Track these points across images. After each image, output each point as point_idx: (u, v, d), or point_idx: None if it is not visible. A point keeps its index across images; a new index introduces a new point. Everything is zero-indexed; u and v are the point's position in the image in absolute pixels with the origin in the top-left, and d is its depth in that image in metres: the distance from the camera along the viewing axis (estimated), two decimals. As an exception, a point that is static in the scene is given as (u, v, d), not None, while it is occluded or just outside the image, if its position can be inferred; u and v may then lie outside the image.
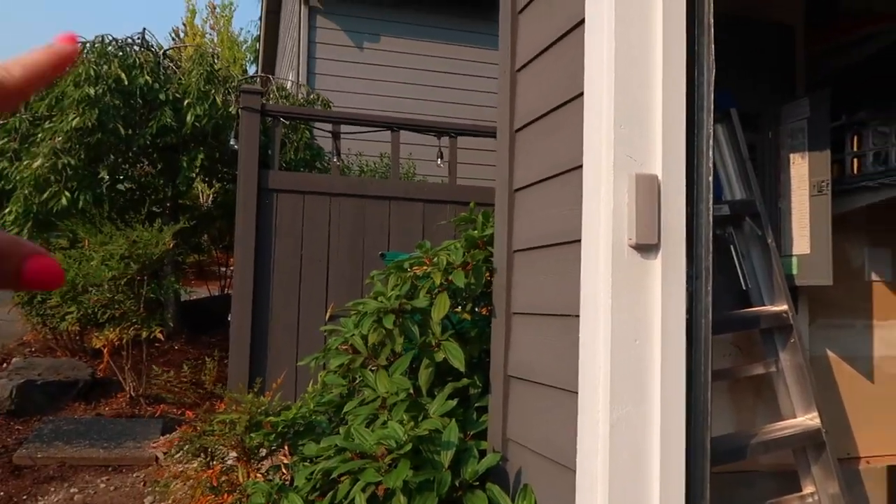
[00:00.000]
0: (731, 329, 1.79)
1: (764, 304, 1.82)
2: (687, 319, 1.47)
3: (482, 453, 1.86)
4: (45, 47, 0.39)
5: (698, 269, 1.48)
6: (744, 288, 1.84)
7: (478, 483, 1.69)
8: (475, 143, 4.27)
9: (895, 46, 1.94)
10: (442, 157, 4.14)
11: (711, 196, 1.48)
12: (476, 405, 2.05)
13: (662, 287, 1.40)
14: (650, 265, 1.41)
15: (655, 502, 1.37)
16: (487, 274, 2.06)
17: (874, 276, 2.21)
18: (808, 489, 1.77)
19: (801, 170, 1.91)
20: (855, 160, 1.98)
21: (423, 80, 6.76)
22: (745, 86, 1.98)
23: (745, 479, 1.94)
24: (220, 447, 2.12)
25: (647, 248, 1.40)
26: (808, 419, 1.76)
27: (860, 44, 1.98)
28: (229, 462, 2.25)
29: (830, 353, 2.15)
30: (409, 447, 1.62)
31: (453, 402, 1.84)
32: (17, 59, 0.38)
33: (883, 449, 2.19)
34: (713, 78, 1.49)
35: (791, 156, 1.94)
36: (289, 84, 6.60)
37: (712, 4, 1.52)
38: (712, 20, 1.52)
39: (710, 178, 1.48)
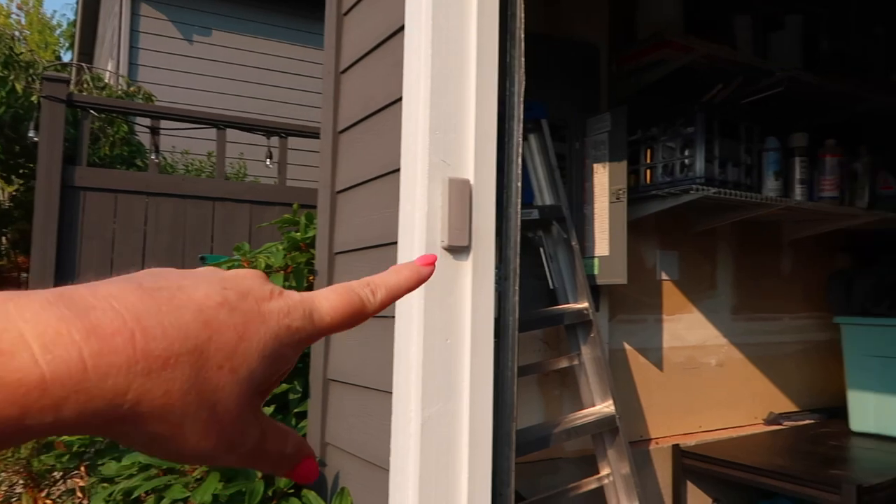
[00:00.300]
0: (539, 326, 1.91)
1: (568, 302, 1.96)
2: (496, 318, 1.54)
3: (301, 458, 1.82)
4: (410, 269, 0.38)
5: (507, 270, 1.56)
6: (551, 287, 1.96)
7: (293, 491, 1.66)
8: (306, 144, 4.19)
9: (681, 71, 2.17)
10: (271, 158, 4.02)
11: (520, 201, 1.57)
12: (295, 410, 2.01)
13: (473, 287, 1.46)
14: (462, 266, 1.46)
15: (463, 494, 1.42)
16: (310, 277, 2.03)
17: (664, 276, 2.46)
18: (605, 471, 1.94)
19: (602, 178, 2.08)
20: (647, 171, 2.19)
21: (255, 77, 6.52)
22: (556, 99, 2.12)
23: (551, 466, 2.07)
24: (2, 474, 1.89)
25: (458, 249, 1.45)
26: (604, 407, 1.92)
27: (654, 67, 2.20)
28: (18, 490, 2.02)
29: (627, 346, 2.36)
30: (220, 457, 1.56)
31: (270, 409, 1.79)
32: (384, 280, 0.36)
33: (669, 430, 2.45)
34: (523, 90, 1.58)
35: (594, 165, 2.11)
36: (107, 74, 6.06)
37: (523, 21, 1.61)
38: (523, 35, 1.61)
39: (519, 184, 1.57)
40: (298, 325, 0.33)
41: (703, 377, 2.56)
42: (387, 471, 1.51)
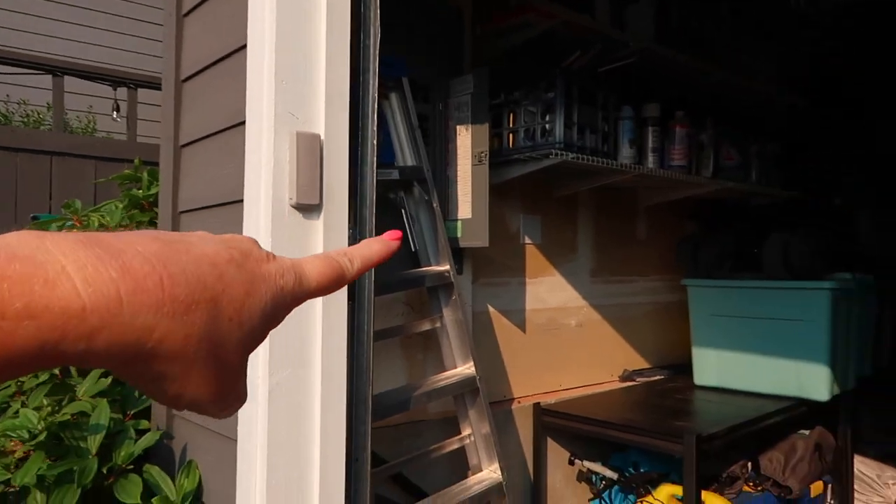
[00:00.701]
0: (399, 288, 1.88)
1: (430, 265, 1.94)
2: (350, 280, 1.49)
3: (142, 433, 1.70)
4: (381, 243, 0.42)
5: (362, 231, 1.51)
6: (413, 249, 1.93)
7: (132, 467, 1.54)
8: (160, 97, 3.88)
9: (544, 36, 2.19)
10: (118, 111, 3.70)
11: (376, 159, 1.51)
12: (141, 381, 1.87)
13: (324, 248, 1.39)
14: (312, 226, 1.39)
15: (315, 462, 1.38)
16: (155, 238, 1.88)
17: (527, 240, 2.51)
18: (466, 431, 1.95)
19: (465, 141, 2.07)
20: (510, 135, 2.20)
21: (104, 24, 5.97)
22: (419, 59, 2.07)
23: (413, 428, 2.07)
24: None
25: (308, 208, 1.38)
26: (466, 368, 1.92)
27: (517, 31, 2.19)
28: None
29: (491, 308, 2.39)
30: (44, 436, 1.41)
31: (107, 380, 1.65)
32: (360, 251, 0.41)
33: (532, 389, 2.52)
34: (378, 42, 1.51)
35: (458, 127, 2.09)
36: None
37: (380, -30, 1.54)
38: (380, -15, 1.54)
39: (375, 142, 1.51)
40: (290, 288, 0.35)
41: (564, 338, 2.65)
42: (233, 440, 1.43)
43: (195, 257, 0.31)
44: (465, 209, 2.08)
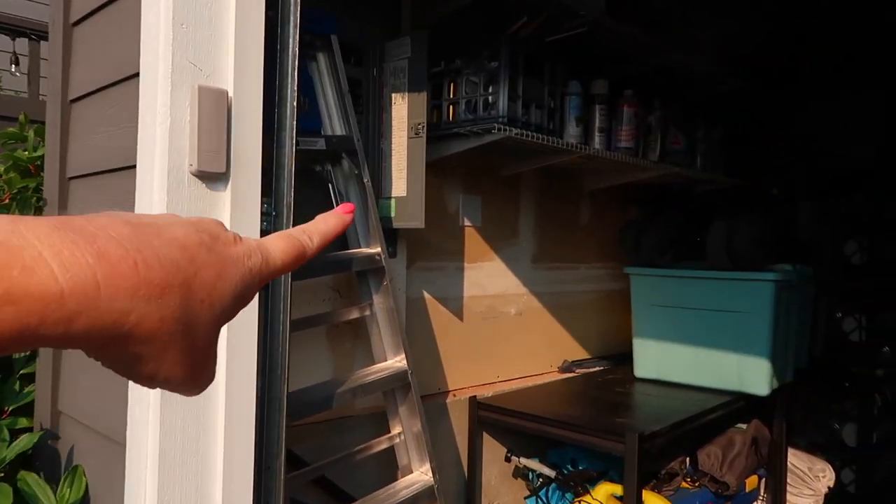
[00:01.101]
0: (323, 272, 1.69)
1: (360, 247, 1.76)
2: (263, 262, 1.29)
3: (21, 432, 1.47)
4: (336, 217, 0.45)
5: (279, 206, 1.31)
6: (341, 229, 1.74)
7: (3, 474, 1.31)
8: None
9: (489, 1, 2.01)
10: (17, 65, 3.33)
11: (296, 124, 1.32)
12: (22, 372, 1.63)
13: (231, 225, 1.19)
14: (217, 198, 1.19)
15: (217, 472, 1.18)
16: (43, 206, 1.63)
17: (466, 222, 2.35)
18: (396, 429, 1.79)
19: (401, 111, 1.88)
20: (450, 107, 2.03)
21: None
22: (351, 16, 1.87)
23: (340, 425, 1.89)
24: None
25: (212, 176, 1.18)
26: (396, 361, 1.76)
27: (461, -6, 2.01)
28: None
29: (427, 295, 2.23)
30: None
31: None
32: (317, 227, 0.43)
33: (468, 381, 2.37)
34: (302, -11, 1.31)
35: (393, 95, 1.90)
36: None
37: None
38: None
39: (296, 104, 1.31)
40: (258, 268, 0.36)
41: (503, 327, 2.51)
42: (122, 445, 1.23)
43: (166, 241, 0.32)
44: (399, 186, 1.90)
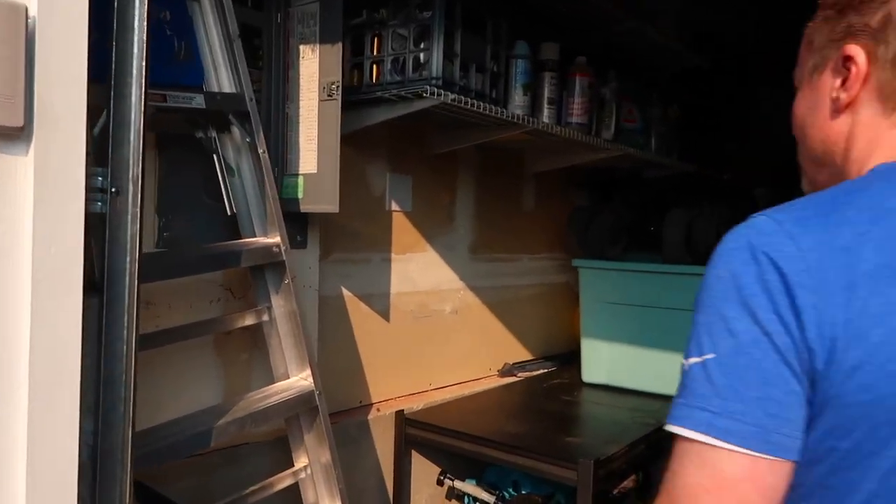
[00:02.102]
0: (204, 268, 1.32)
1: (255, 235, 1.40)
2: (95, 258, 0.93)
3: None
4: None
5: (120, 181, 0.95)
6: (229, 213, 1.38)
7: None
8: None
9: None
10: None
11: (146, 69, 0.95)
12: None
13: (36, 203, 0.82)
14: (13, 164, 0.81)
15: (12, 565, 0.82)
16: None
17: (394, 206, 2.01)
18: (301, 462, 1.45)
19: (311, 66, 1.52)
20: (374, 66, 1.68)
21: None
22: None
23: (231, 456, 1.53)
24: None
25: (5, 134, 0.80)
26: (301, 379, 1.41)
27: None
28: None
29: (346, 291, 1.88)
30: None
31: None
32: None
33: (395, 391, 2.04)
34: None
35: (301, 47, 1.54)
36: None
37: None
38: None
39: (146, 37, 0.94)
40: None
41: (436, 327, 2.19)
42: None
43: None
44: (308, 161, 1.54)
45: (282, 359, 1.42)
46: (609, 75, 2.20)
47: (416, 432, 1.87)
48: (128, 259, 0.95)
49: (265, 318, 1.42)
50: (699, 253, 2.20)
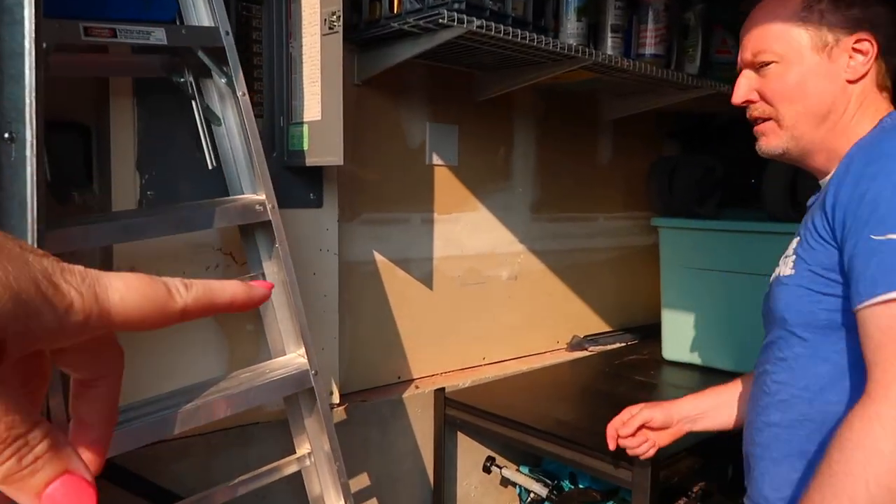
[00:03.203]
0: (183, 228, 1.15)
1: (243, 192, 1.22)
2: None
3: None
4: (242, 286, 0.30)
5: (14, 126, 0.78)
6: (211, 166, 1.21)
7: None
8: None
9: None
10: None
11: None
12: None
13: None
14: None
15: None
16: None
17: (437, 160, 1.78)
18: (304, 448, 1.29)
19: (311, -4, 1.31)
20: (394, -5, 1.44)
21: None
22: None
23: (238, 436, 1.40)
24: None
25: None
26: (297, 356, 1.23)
27: None
28: None
29: (379, 256, 1.69)
30: None
31: None
32: (205, 282, 0.28)
33: (439, 366, 1.85)
34: None
35: (302, -24, 1.33)
36: None
37: None
38: None
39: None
40: (71, 292, 0.23)
41: (490, 295, 1.96)
42: None
43: None
44: (313, 107, 1.34)
45: (277, 333, 1.25)
46: (694, -5, 1.83)
47: (457, 414, 1.66)
48: (29, 219, 0.80)
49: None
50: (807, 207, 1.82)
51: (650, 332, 2.27)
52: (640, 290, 2.38)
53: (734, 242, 1.90)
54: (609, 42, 1.63)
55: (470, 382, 1.81)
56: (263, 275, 1.24)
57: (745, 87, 0.97)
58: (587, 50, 1.55)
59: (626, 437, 1.16)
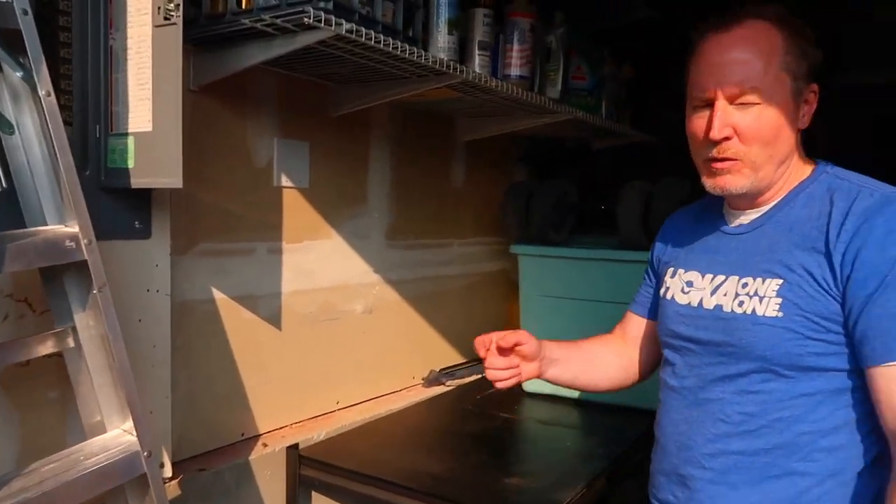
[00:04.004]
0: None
1: (46, 221, 0.93)
2: None
3: None
4: None
5: None
6: (1, 188, 0.91)
7: None
8: None
9: None
10: None
11: None
12: None
13: None
14: None
15: None
16: None
17: (286, 181, 1.56)
18: (132, 548, 1.00)
19: (139, -23, 1.05)
20: (243, -12, 1.21)
21: None
22: None
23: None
24: None
25: None
26: (124, 432, 0.96)
27: None
28: None
29: (219, 294, 1.43)
30: None
31: None
32: None
33: (289, 416, 1.62)
34: None
35: (126, -49, 1.06)
36: None
37: None
38: None
39: None
40: None
41: (344, 331, 1.76)
42: None
43: None
44: (141, 115, 1.07)
45: (94, 404, 0.97)
46: (556, 17, 1.79)
47: (313, 473, 1.45)
48: None
49: (69, 343, 0.96)
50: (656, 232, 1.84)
51: (506, 362, 2.20)
52: (496, 317, 2.31)
53: (592, 270, 1.89)
54: (477, 60, 1.53)
55: (325, 434, 1.60)
56: (74, 328, 0.96)
57: (724, 123, 0.95)
58: (458, 66, 1.43)
59: (500, 348, 1.13)
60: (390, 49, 1.25)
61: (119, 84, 1.10)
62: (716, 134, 0.95)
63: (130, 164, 1.09)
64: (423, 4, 1.38)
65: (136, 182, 1.08)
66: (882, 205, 0.89)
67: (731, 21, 0.96)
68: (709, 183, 1.00)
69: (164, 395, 1.26)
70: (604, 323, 1.83)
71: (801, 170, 1.00)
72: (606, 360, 1.27)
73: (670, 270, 1.14)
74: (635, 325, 1.28)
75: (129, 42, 1.08)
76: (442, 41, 1.41)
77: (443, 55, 1.41)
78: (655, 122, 2.42)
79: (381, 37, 1.22)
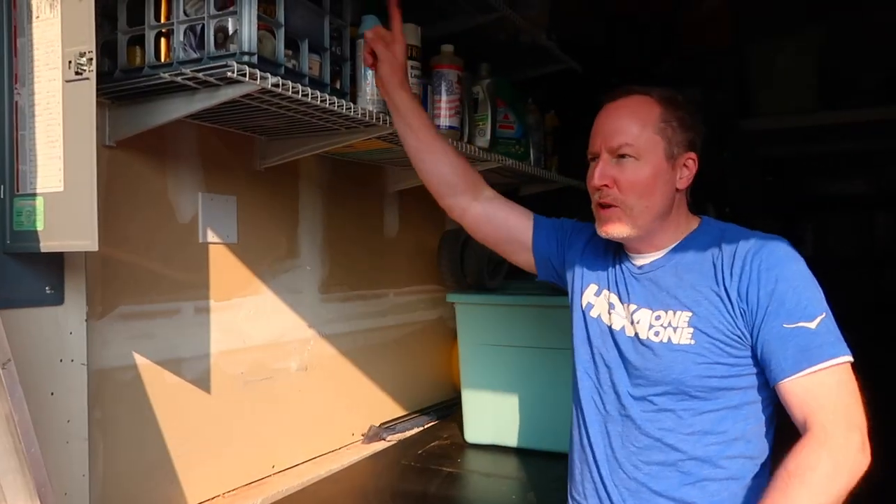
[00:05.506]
0: None
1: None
2: None
3: None
4: None
5: None
6: None
7: None
8: None
9: None
10: None
11: None
12: None
13: None
14: None
15: None
16: None
17: (212, 237, 1.50)
18: None
19: (49, 32, 1.01)
20: (162, 41, 1.18)
21: None
22: None
23: None
24: None
25: None
26: (31, 522, 0.87)
27: None
28: None
29: (142, 360, 1.35)
30: None
31: None
32: None
33: (221, 485, 1.52)
34: None
35: (35, 4, 1.02)
36: None
37: None
38: None
39: None
40: None
41: (279, 390, 1.69)
42: None
43: None
44: (51, 174, 1.01)
45: (-2, 492, 0.88)
46: (481, 69, 1.83)
47: (248, 547, 1.36)
48: None
49: (-31, 425, 0.87)
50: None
51: (447, 412, 2.17)
52: (436, 367, 2.28)
53: (530, 317, 1.88)
54: (406, 111, 1.53)
55: (260, 502, 1.51)
56: (-25, 409, 0.87)
57: (604, 173, 1.12)
58: (387, 118, 1.42)
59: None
60: (318, 102, 1.23)
61: (26, 141, 1.03)
62: (595, 182, 1.13)
63: (40, 226, 1.02)
64: (351, 57, 1.38)
65: (46, 245, 1.01)
66: (759, 248, 1.06)
67: (622, 95, 1.15)
68: (598, 228, 1.16)
69: (81, 473, 1.16)
70: (544, 370, 1.83)
71: (689, 222, 1.18)
72: (438, 160, 1.35)
73: (593, 287, 1.24)
74: (515, 216, 1.41)
75: (37, 98, 1.02)
76: (370, 93, 1.40)
77: (371, 107, 1.40)
78: (582, 167, 2.48)
79: (308, 90, 1.20)
